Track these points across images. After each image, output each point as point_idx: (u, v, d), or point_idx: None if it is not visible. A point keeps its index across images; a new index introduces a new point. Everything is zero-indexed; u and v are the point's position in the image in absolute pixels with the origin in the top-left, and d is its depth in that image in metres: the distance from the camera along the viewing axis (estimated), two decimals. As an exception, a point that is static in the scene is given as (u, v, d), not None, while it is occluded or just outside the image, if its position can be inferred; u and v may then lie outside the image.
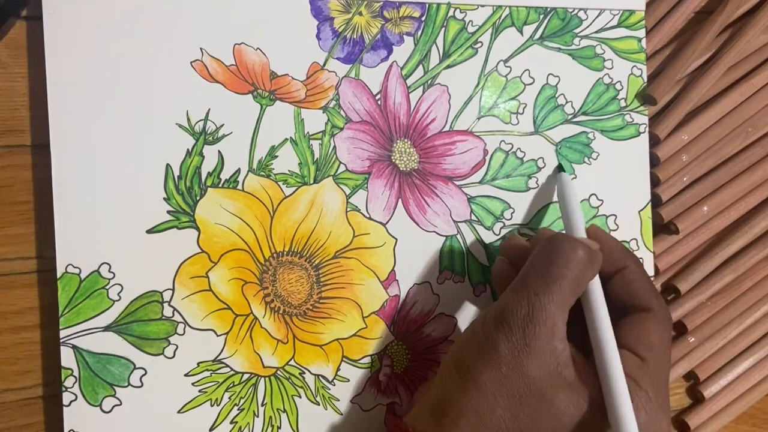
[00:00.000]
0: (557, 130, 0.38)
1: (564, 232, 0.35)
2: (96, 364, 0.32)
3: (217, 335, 0.33)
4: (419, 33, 0.36)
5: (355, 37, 0.35)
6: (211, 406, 0.33)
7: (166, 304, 0.33)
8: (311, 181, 0.35)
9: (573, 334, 0.30)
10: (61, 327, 0.31)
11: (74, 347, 0.32)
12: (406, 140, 0.36)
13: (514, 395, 0.28)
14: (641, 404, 0.29)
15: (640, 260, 0.34)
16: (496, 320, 0.29)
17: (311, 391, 0.35)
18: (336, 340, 0.35)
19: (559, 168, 0.38)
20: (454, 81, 0.37)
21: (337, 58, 0.35)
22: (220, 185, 0.34)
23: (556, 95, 0.38)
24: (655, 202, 0.40)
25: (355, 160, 0.35)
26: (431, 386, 0.32)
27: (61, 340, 0.31)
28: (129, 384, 0.32)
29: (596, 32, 0.39)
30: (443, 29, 0.36)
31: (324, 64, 0.35)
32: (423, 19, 0.36)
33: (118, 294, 0.32)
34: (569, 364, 0.29)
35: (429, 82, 0.36)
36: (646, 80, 0.40)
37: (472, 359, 0.30)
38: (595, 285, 0.31)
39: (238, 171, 0.34)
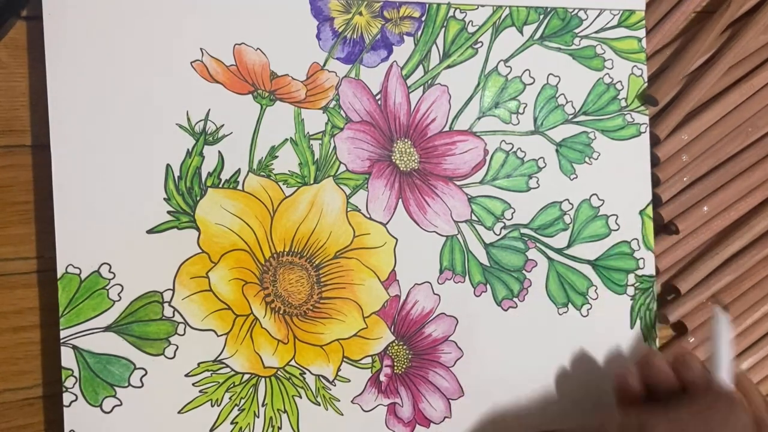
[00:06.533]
0: (558, 129, 0.38)
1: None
2: (96, 365, 0.32)
3: (218, 335, 0.33)
4: (419, 33, 0.36)
5: (355, 37, 0.35)
6: (212, 406, 0.33)
7: (166, 305, 0.33)
8: (311, 182, 0.35)
9: None
10: (61, 327, 0.31)
11: (74, 347, 0.31)
12: (406, 140, 0.36)
13: None
14: None
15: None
16: None
17: (312, 391, 0.35)
18: (336, 341, 0.35)
19: (721, 308, 0.37)
20: (455, 81, 0.37)
21: (337, 58, 0.35)
22: (221, 185, 0.33)
23: (557, 95, 0.38)
24: (656, 202, 0.40)
25: (356, 160, 0.35)
26: None
27: (61, 341, 0.31)
28: (129, 384, 0.32)
29: (596, 32, 0.39)
30: (443, 29, 0.36)
31: (324, 65, 0.35)
32: (423, 19, 0.36)
33: (119, 294, 0.32)
34: None
35: (429, 82, 0.36)
36: (646, 80, 0.40)
37: None
38: None
39: (239, 171, 0.34)
